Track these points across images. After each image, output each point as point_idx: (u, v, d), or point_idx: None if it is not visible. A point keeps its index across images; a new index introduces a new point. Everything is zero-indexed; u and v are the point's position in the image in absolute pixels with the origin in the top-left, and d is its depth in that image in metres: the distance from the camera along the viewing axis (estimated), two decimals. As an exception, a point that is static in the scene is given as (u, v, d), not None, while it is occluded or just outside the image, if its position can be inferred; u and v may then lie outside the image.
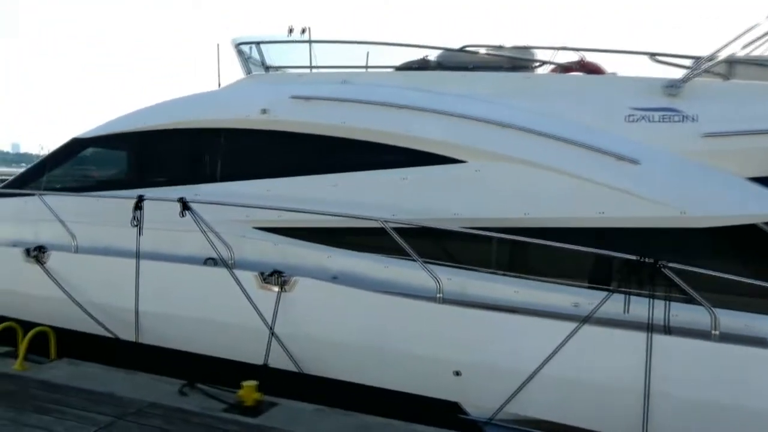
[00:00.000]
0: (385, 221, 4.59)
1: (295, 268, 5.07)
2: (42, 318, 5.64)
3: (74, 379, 4.74)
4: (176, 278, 5.28)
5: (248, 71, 6.27)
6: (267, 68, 6.14)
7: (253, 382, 4.24)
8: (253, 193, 5.41)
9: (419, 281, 4.71)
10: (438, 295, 4.43)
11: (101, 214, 5.97)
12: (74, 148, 6.63)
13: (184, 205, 5.12)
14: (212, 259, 5.49)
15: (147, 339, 5.40)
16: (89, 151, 6.68)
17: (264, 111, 5.43)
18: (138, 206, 5.31)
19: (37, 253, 5.82)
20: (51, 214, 6.03)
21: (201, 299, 5.15)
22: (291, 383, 4.64)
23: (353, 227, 5.05)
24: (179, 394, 4.46)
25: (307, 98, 5.36)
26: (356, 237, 5.11)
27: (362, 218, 4.70)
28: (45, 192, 6.03)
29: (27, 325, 5.32)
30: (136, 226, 5.31)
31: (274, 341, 4.80)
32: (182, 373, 4.84)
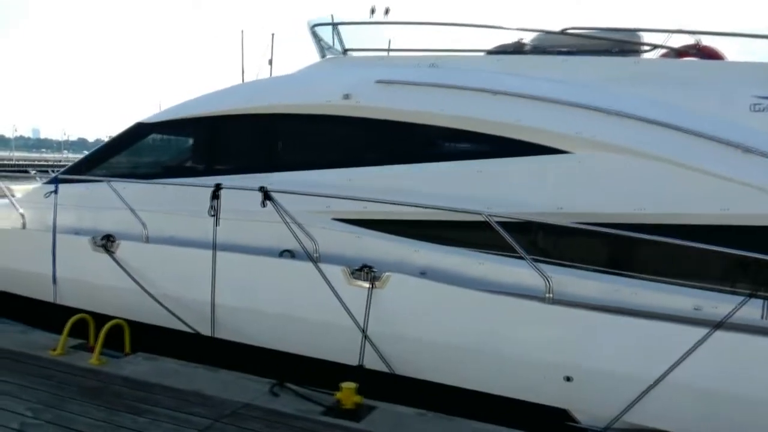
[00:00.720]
0: (490, 215, 4.29)
1: (377, 263, 4.81)
2: (110, 309, 5.46)
3: (156, 375, 4.54)
4: (256, 271, 5.05)
5: (323, 55, 5.98)
6: (345, 51, 5.85)
7: (352, 384, 4.01)
8: (333, 182, 5.15)
9: (517, 279, 4.44)
10: (547, 295, 4.15)
11: (167, 202, 5.76)
12: (138, 132, 6.42)
13: (266, 195, 4.86)
14: (288, 251, 5.26)
15: (223, 334, 5.19)
16: (154, 136, 6.47)
17: (346, 96, 5.15)
18: (215, 195, 5.07)
19: (105, 242, 5.63)
20: (114, 201, 5.84)
21: (283, 294, 4.92)
22: (384, 385, 4.40)
23: (443, 220, 4.78)
24: (270, 394, 4.24)
25: (393, 83, 5.07)
26: (447, 231, 4.83)
27: (464, 211, 4.42)
28: (113, 178, 5.82)
29: (94, 317, 5.15)
30: (213, 215, 5.08)
31: (364, 339, 4.55)
32: (261, 371, 4.64)
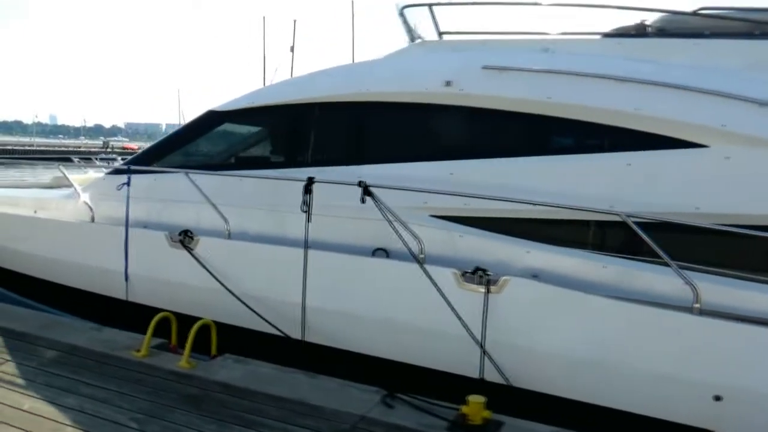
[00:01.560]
0: (628, 215, 3.91)
1: (482, 264, 4.46)
2: (186, 308, 5.18)
3: (254, 381, 4.24)
4: (353, 272, 4.72)
5: (412, 39, 5.59)
6: (441, 34, 5.45)
7: (480, 398, 3.67)
8: (431, 176, 4.78)
9: (646, 285, 4.06)
10: (695, 305, 3.76)
11: (242, 195, 5.44)
12: (210, 121, 6.10)
13: (365, 190, 4.51)
14: (382, 249, 4.92)
15: (313, 338, 4.87)
16: (227, 125, 6.15)
17: (448, 83, 4.77)
18: (308, 189, 4.73)
19: (183, 237, 5.33)
20: (185, 194, 5.54)
21: (383, 297, 4.58)
22: (503, 399, 4.06)
23: (558, 219, 4.41)
24: (383, 405, 3.91)
25: (502, 69, 4.68)
26: (564, 231, 4.46)
27: (599, 211, 4.04)
28: (191, 170, 5.49)
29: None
30: (306, 211, 4.75)
31: (482, 349, 4.20)
32: (352, 377, 4.33)
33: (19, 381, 4.08)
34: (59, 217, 6.38)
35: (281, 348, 4.95)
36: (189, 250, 5.28)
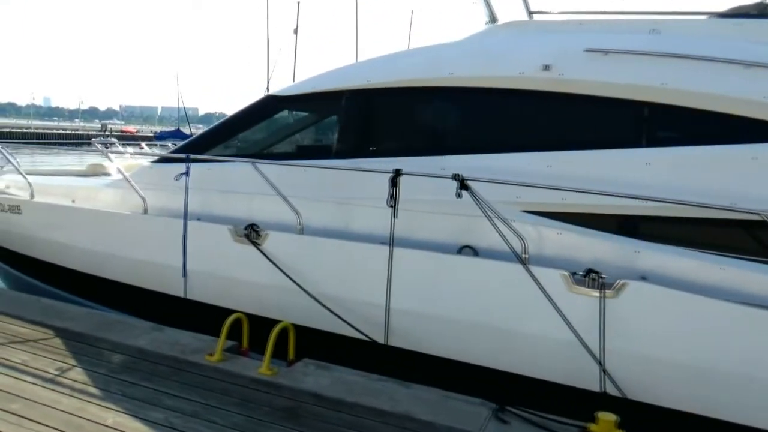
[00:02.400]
0: (770, 215, 3.56)
1: (582, 264, 4.13)
2: (251, 308, 4.83)
3: (345, 391, 3.90)
4: (446, 272, 4.37)
5: (493, 19, 5.19)
6: (531, 14, 5.05)
7: (611, 416, 3.35)
8: (526, 168, 4.43)
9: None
10: None
11: (307, 186, 5.06)
12: (268, 107, 5.70)
13: (462, 184, 4.15)
14: (469, 247, 4.58)
15: (398, 342, 4.54)
16: (287, 111, 5.75)
17: (546, 67, 4.39)
18: (395, 182, 4.37)
19: (249, 232, 4.96)
20: (243, 184, 5.17)
21: (481, 300, 4.24)
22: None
23: (673, 217, 4.07)
24: (496, 420, 3.59)
25: (608, 51, 4.30)
26: (678, 229, 4.11)
27: (737, 210, 3.70)
28: (258, 160, 5.09)
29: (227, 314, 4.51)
30: (392, 206, 4.38)
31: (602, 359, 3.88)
32: (439, 384, 4.03)
33: (93, 390, 3.73)
34: (106, 208, 5.99)
35: (358, 351, 4.63)
36: (256, 245, 4.91)
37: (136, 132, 70.93)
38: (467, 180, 4.14)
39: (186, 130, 51.36)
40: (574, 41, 4.43)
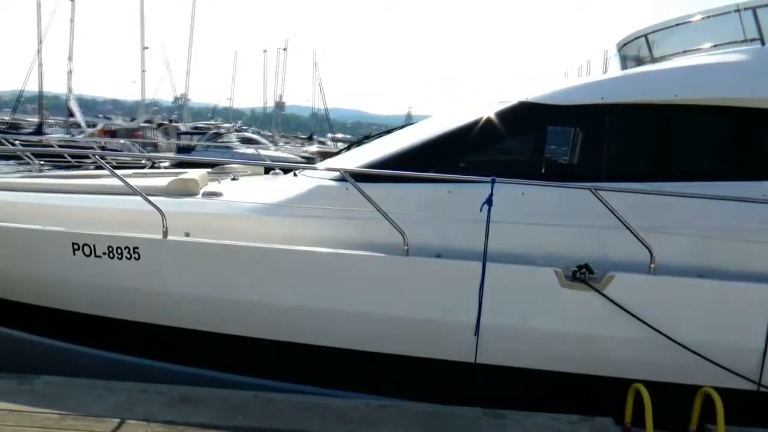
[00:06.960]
0: None
1: None
2: (601, 368, 3.98)
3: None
4: None
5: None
6: None
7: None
8: None
9: None
10: None
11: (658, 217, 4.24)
12: (532, 118, 4.74)
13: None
14: None
15: None
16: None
17: None
18: None
19: (585, 274, 4.02)
20: (539, 213, 4.22)
21: None
22: None
23: None
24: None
25: None
26: None
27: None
28: (599, 184, 4.17)
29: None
30: None
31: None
32: None
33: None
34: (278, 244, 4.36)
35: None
36: (597, 290, 3.98)
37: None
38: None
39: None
40: None
